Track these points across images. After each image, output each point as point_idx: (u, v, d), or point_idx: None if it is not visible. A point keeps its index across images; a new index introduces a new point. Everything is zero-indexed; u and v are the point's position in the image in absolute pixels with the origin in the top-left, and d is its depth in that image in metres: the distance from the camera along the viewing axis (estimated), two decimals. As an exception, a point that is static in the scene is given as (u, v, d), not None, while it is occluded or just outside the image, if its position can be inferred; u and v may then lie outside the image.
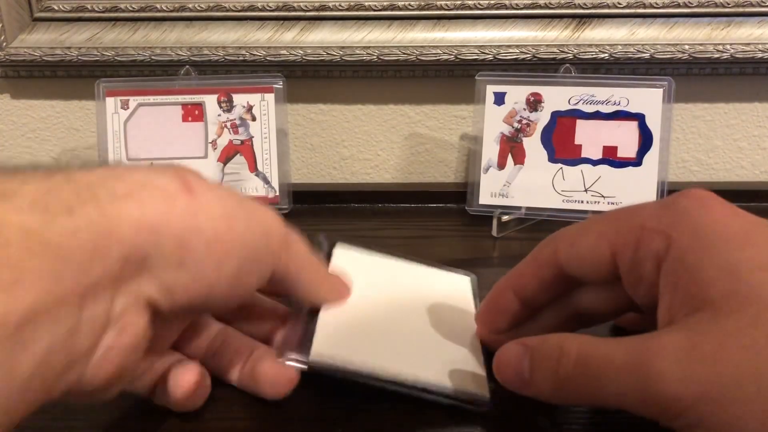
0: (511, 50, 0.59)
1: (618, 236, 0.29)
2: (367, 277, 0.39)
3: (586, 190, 0.56)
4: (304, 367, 0.31)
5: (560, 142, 0.56)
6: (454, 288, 0.41)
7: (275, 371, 0.32)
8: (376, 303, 0.37)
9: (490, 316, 0.34)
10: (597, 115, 0.55)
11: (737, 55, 0.58)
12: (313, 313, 0.34)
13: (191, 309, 0.29)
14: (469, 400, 0.32)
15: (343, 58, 0.59)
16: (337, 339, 0.33)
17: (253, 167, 0.58)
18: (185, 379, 0.31)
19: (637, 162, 0.55)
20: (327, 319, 0.34)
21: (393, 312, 0.37)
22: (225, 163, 0.58)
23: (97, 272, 0.23)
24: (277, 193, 0.58)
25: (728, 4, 0.58)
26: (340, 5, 0.59)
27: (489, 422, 0.32)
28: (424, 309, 0.37)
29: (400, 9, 0.59)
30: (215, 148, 0.58)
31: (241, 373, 0.33)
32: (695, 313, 0.25)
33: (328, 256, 0.40)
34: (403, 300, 0.38)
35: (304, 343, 0.32)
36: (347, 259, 0.40)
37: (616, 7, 0.58)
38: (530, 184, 0.56)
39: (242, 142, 0.58)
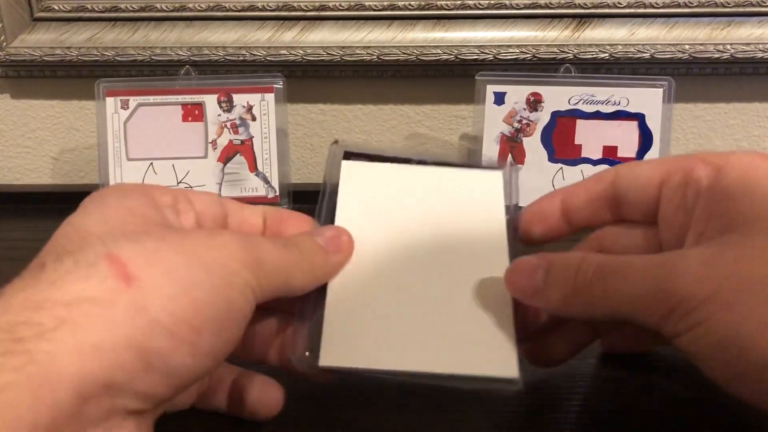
0: (511, 50, 0.59)
1: (674, 164, 0.30)
2: (378, 205, 0.34)
3: (586, 190, 0.56)
4: (314, 371, 0.29)
5: (560, 142, 0.56)
6: (483, 201, 0.35)
7: (260, 394, 0.31)
8: (388, 256, 0.32)
9: (529, 215, 0.34)
10: (597, 115, 0.55)
11: (737, 55, 0.58)
12: (320, 299, 0.31)
13: (180, 391, 0.25)
14: (495, 382, 0.29)
15: (343, 58, 0.59)
16: (348, 328, 0.30)
17: (253, 167, 0.58)
18: (273, 397, 0.31)
19: (637, 162, 0.55)
20: (334, 304, 0.30)
21: (408, 268, 0.32)
22: (225, 163, 0.58)
23: (45, 421, 0.20)
24: (277, 193, 0.58)
25: (728, 4, 0.58)
26: (340, 5, 0.59)
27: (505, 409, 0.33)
28: (445, 254, 0.33)
29: (400, 9, 0.59)
30: (215, 148, 0.58)
31: (229, 399, 0.32)
32: (725, 233, 0.26)
33: (337, 171, 0.35)
34: (420, 244, 0.33)
35: (313, 341, 0.29)
36: (356, 176, 0.35)
37: (617, 7, 0.58)
38: (530, 184, 0.56)
39: (242, 142, 0.58)
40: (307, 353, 0.29)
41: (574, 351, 0.33)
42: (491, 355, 0.29)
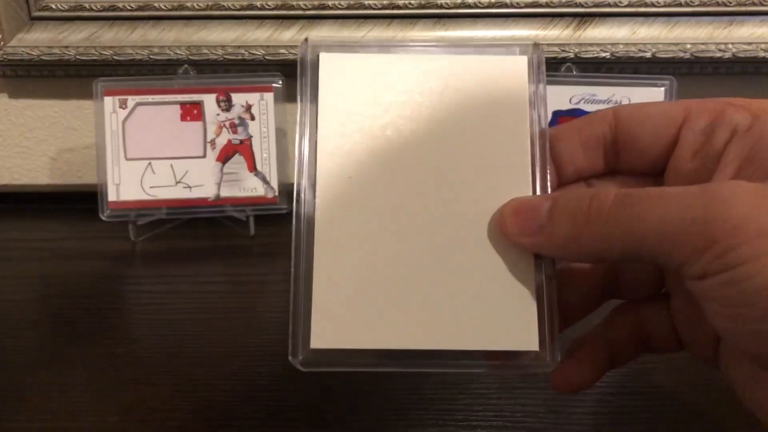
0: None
1: (698, 105, 0.27)
2: (370, 114, 0.27)
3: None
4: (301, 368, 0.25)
5: (561, 142, 0.55)
6: (502, 102, 0.27)
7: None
8: (384, 189, 0.26)
9: None
10: (598, 115, 0.55)
11: (739, 55, 0.57)
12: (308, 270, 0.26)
13: None
14: (516, 359, 0.26)
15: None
16: (341, 300, 0.25)
17: (252, 167, 0.58)
18: None
19: (638, 162, 0.55)
20: (323, 273, 0.25)
21: (408, 206, 0.26)
22: (224, 163, 0.58)
23: None
24: (276, 193, 0.58)
25: (730, 3, 0.57)
26: (339, 4, 0.58)
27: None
28: (454, 183, 0.26)
29: (400, 8, 0.58)
30: (214, 148, 0.58)
31: None
32: None
33: (315, 71, 0.27)
34: (422, 170, 0.26)
35: (299, 330, 0.25)
36: (340, 73, 0.27)
37: (618, 6, 0.58)
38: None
39: (241, 141, 0.58)
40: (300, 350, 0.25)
41: (597, 374, 0.29)
42: (506, 326, 0.25)
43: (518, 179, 0.26)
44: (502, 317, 0.25)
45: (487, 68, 0.27)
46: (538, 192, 0.26)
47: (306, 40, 0.28)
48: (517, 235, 0.25)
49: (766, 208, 0.21)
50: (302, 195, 0.26)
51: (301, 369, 0.25)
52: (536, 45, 0.28)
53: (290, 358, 0.25)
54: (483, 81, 0.27)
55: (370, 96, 0.27)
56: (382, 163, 0.26)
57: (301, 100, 0.27)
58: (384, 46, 0.28)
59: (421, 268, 0.25)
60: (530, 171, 0.26)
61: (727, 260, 0.20)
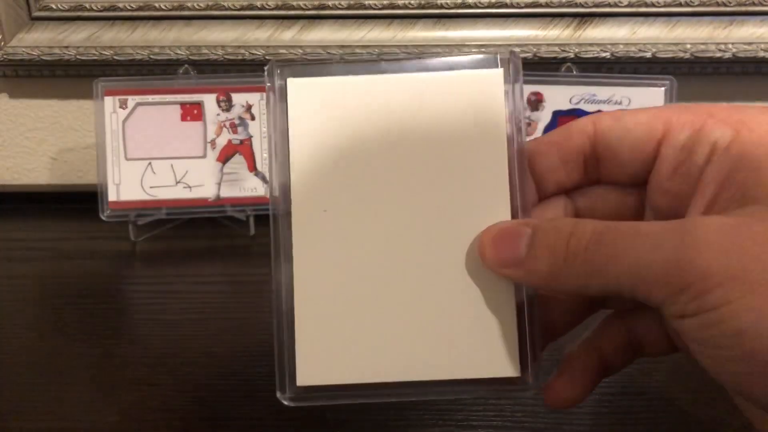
0: (511, 49, 0.58)
1: (679, 116, 0.26)
2: (341, 138, 0.26)
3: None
4: (290, 405, 0.26)
5: (561, 142, 0.55)
6: (478, 120, 0.26)
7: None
8: (359, 218, 0.26)
9: None
10: (598, 115, 0.55)
11: (739, 55, 0.57)
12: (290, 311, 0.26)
13: None
14: (499, 385, 0.26)
15: (343, 57, 0.59)
16: (324, 336, 0.25)
17: (253, 167, 0.58)
18: None
19: (638, 162, 0.55)
20: (305, 311, 0.25)
21: (384, 234, 0.26)
22: (224, 163, 0.58)
23: None
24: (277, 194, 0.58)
25: (730, 3, 0.57)
26: (339, 4, 0.58)
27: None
28: (429, 208, 0.26)
29: (400, 8, 0.58)
30: (214, 148, 0.58)
31: None
32: (747, 205, 0.22)
33: (283, 97, 0.27)
34: (398, 195, 0.26)
35: (285, 366, 0.25)
36: (308, 99, 0.26)
37: (618, 6, 0.58)
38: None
39: (241, 141, 0.58)
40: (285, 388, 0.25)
41: (590, 387, 0.28)
42: (487, 352, 0.25)
43: (496, 202, 0.26)
44: (482, 344, 0.25)
45: (462, 86, 0.26)
46: (518, 212, 0.26)
47: (271, 63, 0.27)
48: (497, 266, 0.25)
49: (736, 248, 0.21)
50: (279, 228, 0.26)
51: (289, 405, 0.25)
52: (513, 53, 0.27)
53: (278, 394, 0.25)
54: (458, 99, 0.26)
55: (341, 122, 0.26)
56: (358, 192, 0.26)
57: (272, 129, 0.27)
58: (352, 64, 0.27)
59: (401, 297, 0.25)
60: (508, 192, 0.26)
61: (701, 303, 0.21)
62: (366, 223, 0.26)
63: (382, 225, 0.26)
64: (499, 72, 0.27)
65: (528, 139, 0.27)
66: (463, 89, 0.26)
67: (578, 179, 0.28)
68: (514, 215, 0.26)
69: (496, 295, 0.25)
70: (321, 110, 0.26)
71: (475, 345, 0.25)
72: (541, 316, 0.26)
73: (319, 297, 0.25)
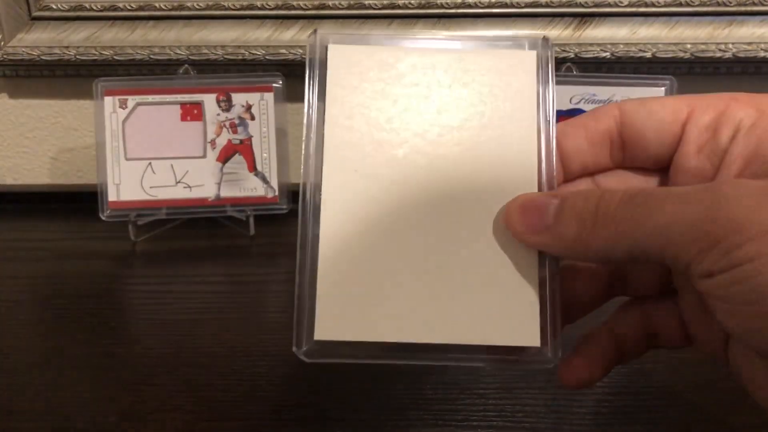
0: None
1: (702, 100, 0.27)
2: (377, 106, 0.27)
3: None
4: (306, 360, 0.25)
5: (561, 142, 0.55)
6: (510, 98, 0.27)
7: None
8: (389, 184, 0.26)
9: None
10: (598, 115, 0.55)
11: (739, 55, 0.57)
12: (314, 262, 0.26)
13: None
14: (518, 354, 0.26)
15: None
16: (345, 294, 0.25)
17: (252, 167, 0.58)
18: None
19: (638, 162, 0.55)
20: (328, 264, 0.26)
21: (413, 201, 0.26)
22: (224, 163, 0.58)
23: None
24: (276, 193, 0.58)
25: (730, 3, 0.57)
26: (340, 4, 0.58)
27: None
28: (459, 178, 0.26)
29: (400, 7, 0.58)
30: (214, 148, 0.58)
31: None
32: None
33: (323, 64, 0.27)
34: (428, 165, 0.26)
35: (304, 322, 0.25)
36: (348, 64, 0.27)
37: (618, 6, 0.58)
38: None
39: (241, 141, 0.58)
40: (304, 344, 0.25)
41: (605, 370, 0.29)
42: (509, 321, 0.25)
43: (524, 176, 0.26)
44: (504, 312, 0.25)
45: (496, 63, 0.27)
46: (545, 188, 0.26)
47: (315, 31, 0.28)
48: (524, 233, 0.25)
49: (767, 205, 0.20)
50: (308, 188, 0.26)
51: (305, 360, 0.25)
52: (545, 39, 0.28)
53: (294, 349, 0.25)
54: (491, 76, 0.27)
55: (378, 88, 0.27)
56: (388, 157, 0.26)
57: (310, 93, 0.27)
58: (394, 38, 0.28)
59: (425, 262, 0.26)
60: (537, 168, 0.26)
61: (731, 258, 0.20)
62: (394, 186, 0.26)
63: (411, 190, 0.26)
64: (532, 54, 0.28)
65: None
66: (498, 66, 0.27)
67: (603, 162, 0.28)
68: (540, 190, 0.26)
69: (521, 267, 0.25)
70: (359, 75, 0.27)
71: (498, 312, 0.25)
72: (562, 295, 0.26)
73: (343, 255, 0.26)
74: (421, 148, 0.26)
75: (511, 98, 0.27)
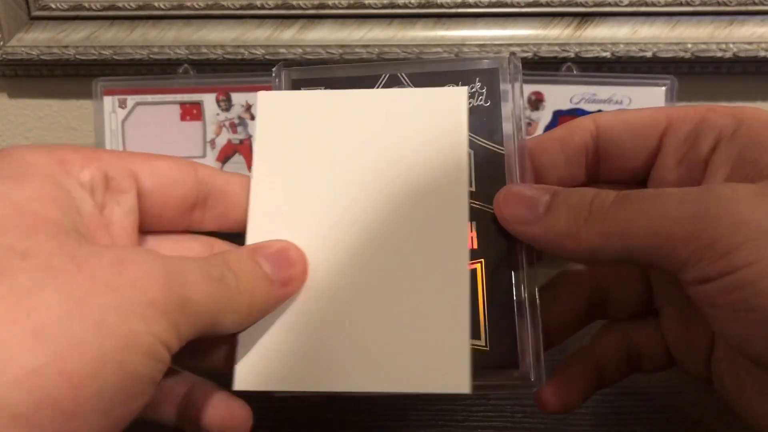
0: (512, 49, 0.58)
1: (679, 111, 0.26)
2: (305, 149, 0.27)
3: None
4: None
5: (562, 142, 0.55)
6: (441, 134, 0.26)
7: (221, 416, 0.25)
8: (316, 227, 0.26)
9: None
10: (599, 114, 0.55)
11: (740, 54, 0.57)
12: None
13: None
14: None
15: (343, 56, 0.59)
16: (266, 340, 0.25)
17: (252, 167, 0.58)
18: (238, 422, 0.25)
19: (639, 161, 0.55)
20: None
21: (339, 243, 0.25)
22: (224, 163, 0.58)
23: None
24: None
25: (731, 2, 0.57)
26: (339, 3, 0.58)
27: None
28: (388, 216, 0.26)
29: (400, 7, 0.58)
30: (214, 148, 0.58)
31: (179, 415, 0.26)
32: (761, 180, 0.22)
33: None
34: (356, 203, 0.26)
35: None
36: (276, 109, 0.27)
37: (618, 6, 0.58)
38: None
39: (241, 141, 0.58)
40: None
41: (585, 394, 0.28)
42: (435, 365, 0.24)
43: (454, 207, 0.25)
44: (431, 356, 0.24)
45: (427, 102, 0.27)
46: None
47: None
48: (513, 222, 0.25)
49: (764, 207, 0.20)
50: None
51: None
52: (512, 54, 0.29)
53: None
54: (422, 115, 0.27)
55: (308, 133, 0.27)
56: (317, 199, 0.26)
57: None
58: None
59: (351, 306, 0.25)
60: (466, 197, 0.25)
61: (729, 261, 0.20)
62: (321, 227, 0.26)
63: (338, 231, 0.26)
64: (463, 90, 0.27)
65: (530, 137, 0.27)
66: (429, 105, 0.27)
67: (580, 176, 0.28)
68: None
69: (452, 307, 0.24)
70: (289, 120, 0.27)
71: (424, 356, 0.24)
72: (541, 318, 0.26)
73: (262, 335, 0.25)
74: (351, 190, 0.26)
75: (441, 138, 0.26)
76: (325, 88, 0.28)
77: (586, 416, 0.34)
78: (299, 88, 0.29)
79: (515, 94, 0.28)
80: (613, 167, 0.27)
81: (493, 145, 0.27)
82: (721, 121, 0.25)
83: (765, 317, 0.19)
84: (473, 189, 0.27)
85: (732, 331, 0.21)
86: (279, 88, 0.28)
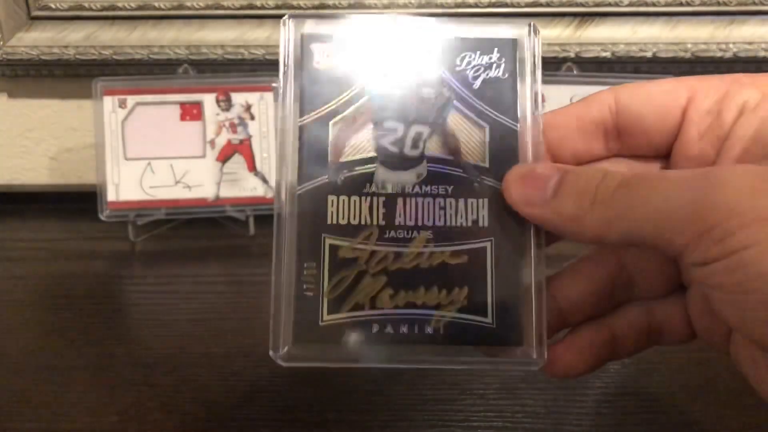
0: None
1: (702, 83, 0.26)
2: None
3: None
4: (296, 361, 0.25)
5: (562, 142, 0.55)
6: None
7: None
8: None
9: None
10: (599, 114, 0.55)
11: (740, 54, 0.57)
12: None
13: None
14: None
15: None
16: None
17: (252, 167, 0.58)
18: None
19: (639, 161, 0.55)
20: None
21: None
22: (223, 163, 0.58)
23: None
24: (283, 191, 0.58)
25: (731, 2, 0.57)
26: (340, 3, 0.58)
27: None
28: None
29: (400, 6, 0.58)
30: (213, 148, 0.58)
31: None
32: None
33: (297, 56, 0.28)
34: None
35: (281, 324, 0.25)
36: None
37: (619, 6, 0.58)
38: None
39: (241, 141, 0.58)
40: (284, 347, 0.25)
41: (595, 360, 0.28)
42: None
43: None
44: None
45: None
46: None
47: (288, 17, 0.28)
48: (521, 204, 0.25)
49: (764, 191, 0.20)
50: (283, 190, 0.27)
51: (282, 364, 0.25)
52: (531, 24, 0.27)
53: (271, 353, 0.24)
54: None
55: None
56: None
57: (285, 87, 0.27)
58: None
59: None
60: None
61: (726, 245, 0.20)
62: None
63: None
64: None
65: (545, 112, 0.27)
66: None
67: (598, 151, 0.28)
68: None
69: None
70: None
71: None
72: (556, 300, 0.26)
73: None
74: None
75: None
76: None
77: (586, 416, 0.34)
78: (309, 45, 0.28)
79: (535, 67, 0.27)
80: (635, 141, 0.27)
81: (509, 120, 0.27)
82: (746, 93, 0.25)
83: (761, 299, 0.20)
84: (486, 165, 0.27)
85: (731, 313, 0.21)
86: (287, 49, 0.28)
